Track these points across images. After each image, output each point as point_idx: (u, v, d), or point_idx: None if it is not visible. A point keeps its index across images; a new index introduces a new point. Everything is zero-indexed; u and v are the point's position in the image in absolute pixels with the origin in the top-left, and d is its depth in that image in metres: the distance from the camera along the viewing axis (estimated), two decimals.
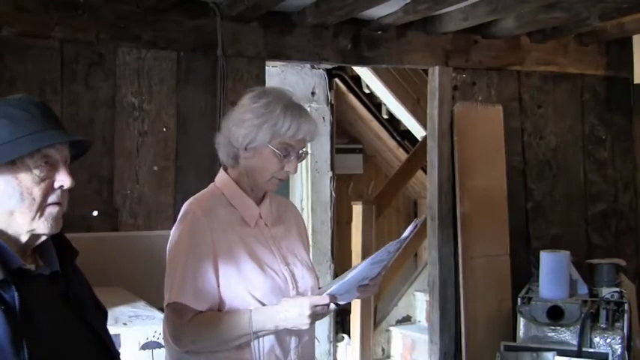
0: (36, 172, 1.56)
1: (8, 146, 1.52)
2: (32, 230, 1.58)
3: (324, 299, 2.10)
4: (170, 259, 2.20)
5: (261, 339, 2.15)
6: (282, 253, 2.27)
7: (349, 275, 2.14)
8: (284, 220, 2.38)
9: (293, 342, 2.23)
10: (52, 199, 1.58)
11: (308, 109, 6.74)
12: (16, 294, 1.47)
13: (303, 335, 2.25)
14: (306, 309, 2.07)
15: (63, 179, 1.59)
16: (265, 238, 2.27)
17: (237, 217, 2.25)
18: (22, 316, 1.47)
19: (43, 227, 1.58)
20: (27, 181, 1.55)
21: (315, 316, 2.11)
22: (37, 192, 1.56)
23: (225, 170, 2.31)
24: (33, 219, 1.56)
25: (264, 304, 2.15)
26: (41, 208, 1.57)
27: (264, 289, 2.17)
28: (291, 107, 2.22)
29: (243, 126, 2.21)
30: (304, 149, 2.27)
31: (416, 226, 2.28)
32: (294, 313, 2.09)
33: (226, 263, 2.16)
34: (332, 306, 2.19)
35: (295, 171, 2.26)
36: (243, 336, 2.11)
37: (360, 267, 2.14)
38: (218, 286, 2.15)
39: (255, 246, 2.23)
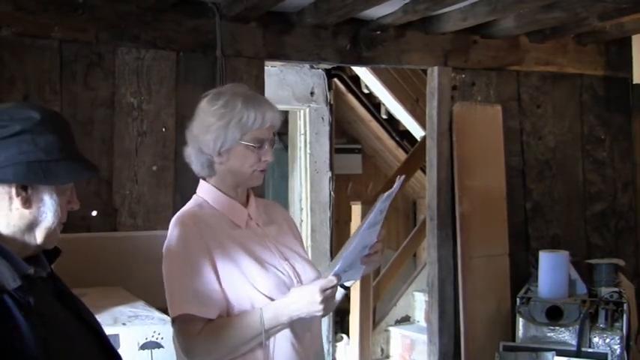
0: (67, 193, 1.63)
1: (64, 166, 1.57)
2: (44, 245, 1.61)
3: (331, 281, 2.07)
4: (167, 274, 2.15)
5: (275, 338, 2.12)
6: (279, 250, 2.25)
7: (349, 249, 2.11)
8: (274, 219, 2.37)
9: (308, 337, 2.20)
10: (64, 219, 1.65)
11: (307, 109, 6.80)
12: (31, 299, 1.48)
13: (314, 330, 2.24)
14: (316, 295, 2.04)
15: (75, 202, 1.67)
16: (260, 238, 2.25)
17: (226, 221, 2.22)
18: (40, 320, 1.48)
19: (50, 243, 1.63)
20: (63, 201, 1.61)
21: (327, 299, 2.07)
22: (64, 212, 1.63)
23: (204, 179, 2.29)
24: (47, 236, 1.60)
25: (271, 299, 2.11)
26: (58, 227, 1.62)
27: (269, 286, 2.13)
28: (251, 99, 2.20)
29: (209, 131, 2.18)
30: (274, 136, 2.26)
31: (402, 181, 2.27)
32: (305, 301, 2.06)
33: (226, 266, 2.13)
34: (340, 292, 2.17)
35: (271, 158, 2.23)
36: (256, 336, 2.07)
37: (357, 237, 2.12)
38: (222, 291, 2.11)
39: (251, 245, 2.20)
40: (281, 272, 2.19)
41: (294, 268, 2.23)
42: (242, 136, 2.17)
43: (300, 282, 2.21)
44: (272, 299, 2.12)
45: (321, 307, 2.06)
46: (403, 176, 2.34)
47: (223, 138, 2.17)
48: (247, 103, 2.18)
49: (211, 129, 2.18)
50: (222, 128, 2.16)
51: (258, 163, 2.21)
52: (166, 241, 2.18)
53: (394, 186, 2.21)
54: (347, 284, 2.24)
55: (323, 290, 2.05)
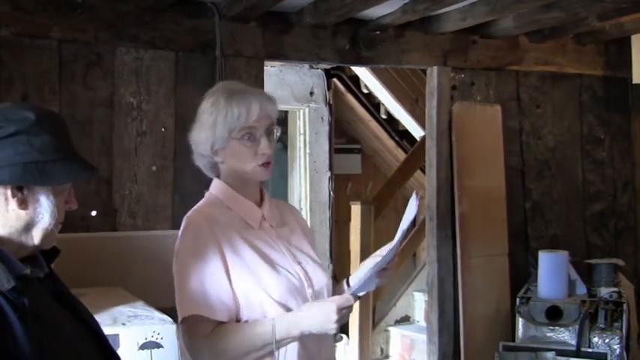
0: (65, 193, 1.62)
1: (60, 166, 1.56)
2: (41, 246, 1.60)
3: (349, 300, 2.06)
4: (178, 274, 2.12)
5: (285, 348, 2.09)
6: (291, 252, 2.22)
7: (373, 268, 2.12)
8: (287, 221, 2.34)
9: (315, 348, 2.17)
10: (62, 219, 1.64)
11: (307, 109, 6.78)
12: (26, 300, 1.47)
13: (325, 340, 2.22)
14: (332, 314, 2.03)
15: (73, 202, 1.66)
16: (272, 239, 2.21)
17: (239, 220, 2.19)
18: (35, 321, 1.48)
19: (47, 244, 1.62)
20: (60, 202, 1.60)
21: (342, 318, 2.06)
22: (62, 213, 1.62)
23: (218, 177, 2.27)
24: (45, 236, 1.59)
25: (282, 304, 2.10)
26: (56, 227, 1.61)
27: (281, 290, 2.11)
28: (234, 93, 2.16)
29: (201, 132, 2.17)
30: (271, 126, 2.20)
31: (418, 199, 2.26)
32: (320, 318, 2.04)
33: (238, 268, 2.10)
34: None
35: (270, 149, 2.17)
36: (267, 345, 2.05)
37: (383, 255, 2.13)
38: (233, 293, 2.08)
39: (263, 247, 2.17)
40: (292, 275, 2.16)
41: (305, 271, 2.20)
42: (230, 132, 2.14)
43: (312, 286, 2.19)
44: (282, 304, 2.10)
45: (335, 325, 2.05)
46: (418, 193, 2.32)
47: (213, 137, 2.15)
48: (231, 98, 2.14)
49: (202, 129, 2.17)
50: (211, 128, 2.15)
51: (255, 157, 2.16)
52: (178, 240, 2.16)
53: (413, 206, 2.21)
54: (360, 294, 2.23)
55: (340, 309, 2.04)
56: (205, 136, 2.16)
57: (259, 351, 2.06)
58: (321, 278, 2.24)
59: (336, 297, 2.11)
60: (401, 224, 2.18)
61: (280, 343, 2.06)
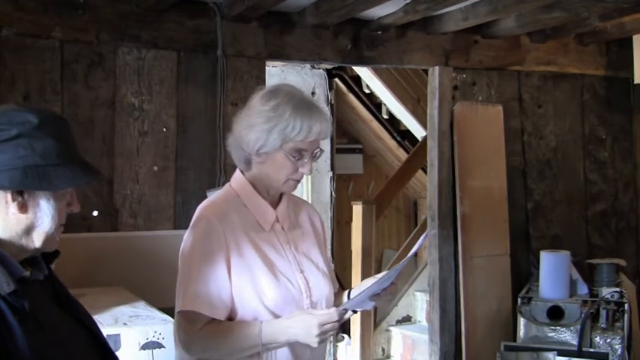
0: (67, 197, 1.61)
1: (61, 171, 1.54)
2: (42, 249, 1.60)
3: (332, 317, 2.07)
4: (183, 266, 2.15)
5: (273, 350, 2.12)
6: (297, 260, 2.22)
7: (364, 290, 2.15)
8: (301, 222, 2.34)
9: (307, 353, 2.19)
10: (63, 221, 1.63)
11: None
12: (26, 303, 1.47)
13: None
14: (314, 328, 2.04)
15: (76, 205, 1.65)
16: (281, 244, 2.22)
17: (252, 220, 2.20)
18: (34, 324, 1.48)
19: (49, 247, 1.62)
20: (61, 205, 1.59)
21: (325, 333, 2.07)
22: (63, 216, 1.61)
23: (242, 171, 2.26)
24: (46, 240, 1.58)
25: (275, 314, 2.11)
26: (58, 230, 1.60)
27: (277, 300, 2.13)
28: (301, 108, 2.12)
29: (252, 131, 2.14)
30: (318, 148, 2.20)
31: (426, 236, 2.30)
32: (303, 331, 2.06)
33: (239, 271, 2.12)
34: (349, 313, 2.19)
35: (310, 172, 2.19)
36: (253, 347, 2.08)
37: (377, 282, 2.16)
38: (231, 292, 2.11)
39: (269, 252, 2.18)
40: (292, 285, 2.17)
41: (307, 282, 2.21)
42: (283, 144, 2.12)
43: (310, 297, 2.20)
44: (275, 314, 2.12)
45: (316, 339, 2.06)
46: (429, 231, 2.38)
47: (264, 141, 2.13)
48: (296, 113, 2.11)
49: (255, 129, 2.14)
50: (266, 132, 2.12)
51: (294, 174, 2.17)
52: (188, 231, 2.18)
53: (420, 241, 2.29)
54: (357, 309, 2.25)
55: (322, 324, 2.05)
56: (256, 138, 2.14)
57: (247, 351, 2.10)
58: (322, 289, 2.24)
59: (322, 311, 2.12)
60: (406, 257, 2.24)
61: (267, 346, 2.09)
